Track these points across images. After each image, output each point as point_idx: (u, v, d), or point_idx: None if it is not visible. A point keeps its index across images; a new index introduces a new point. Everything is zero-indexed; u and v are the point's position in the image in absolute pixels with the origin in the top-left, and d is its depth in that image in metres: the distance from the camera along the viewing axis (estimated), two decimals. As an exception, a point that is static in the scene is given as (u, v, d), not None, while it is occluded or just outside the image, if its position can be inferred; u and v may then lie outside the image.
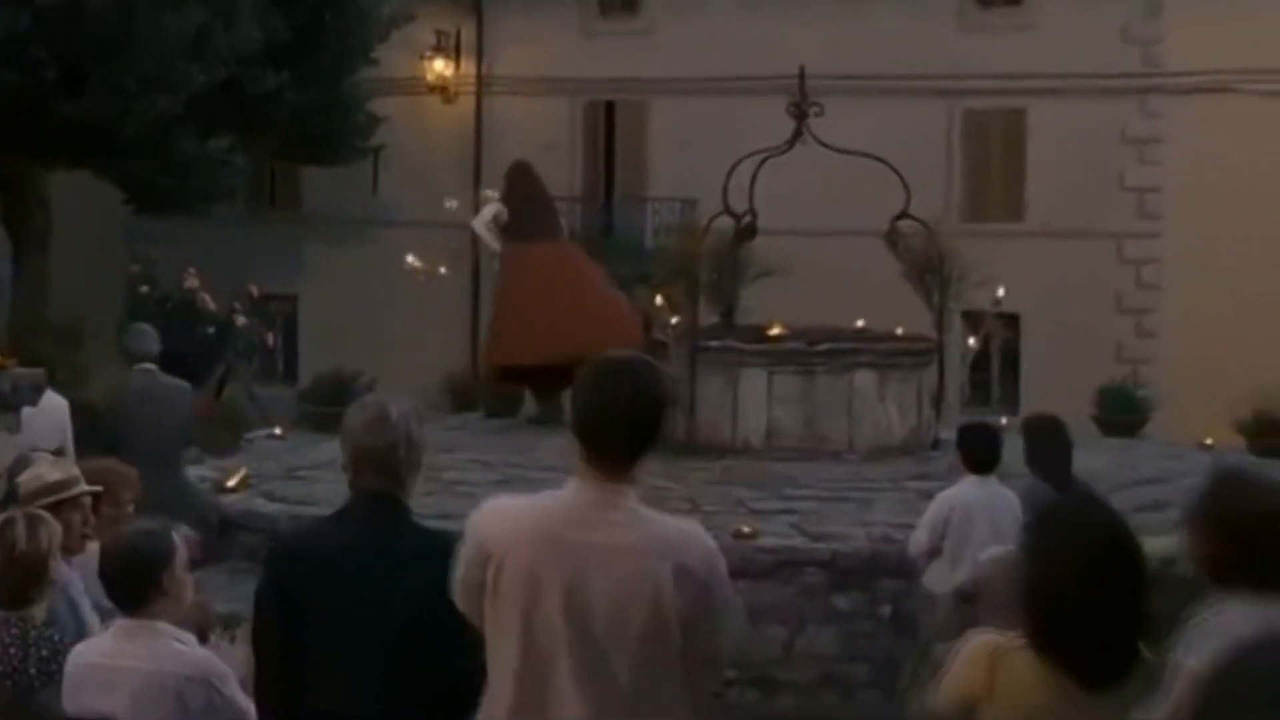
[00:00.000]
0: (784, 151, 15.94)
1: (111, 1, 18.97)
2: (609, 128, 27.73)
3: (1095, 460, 15.88)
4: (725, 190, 15.76)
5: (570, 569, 3.81)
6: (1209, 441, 17.94)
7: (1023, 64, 25.22)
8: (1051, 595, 3.70)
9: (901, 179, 15.69)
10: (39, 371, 12.05)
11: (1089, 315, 25.30)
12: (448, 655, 4.25)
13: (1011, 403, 25.54)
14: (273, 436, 15.06)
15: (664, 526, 3.96)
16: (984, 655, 3.86)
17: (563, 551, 3.84)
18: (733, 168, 15.85)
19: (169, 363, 19.01)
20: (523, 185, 18.15)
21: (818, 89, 24.46)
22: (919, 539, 9.46)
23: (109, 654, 5.01)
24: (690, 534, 3.96)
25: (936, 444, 14.96)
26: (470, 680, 4.06)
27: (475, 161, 27.35)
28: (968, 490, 9.25)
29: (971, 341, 25.16)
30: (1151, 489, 13.95)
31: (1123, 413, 19.10)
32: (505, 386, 18.02)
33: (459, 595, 4.00)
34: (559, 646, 3.81)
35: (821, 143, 15.80)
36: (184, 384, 11.23)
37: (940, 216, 25.33)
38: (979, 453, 9.58)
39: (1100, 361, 24.01)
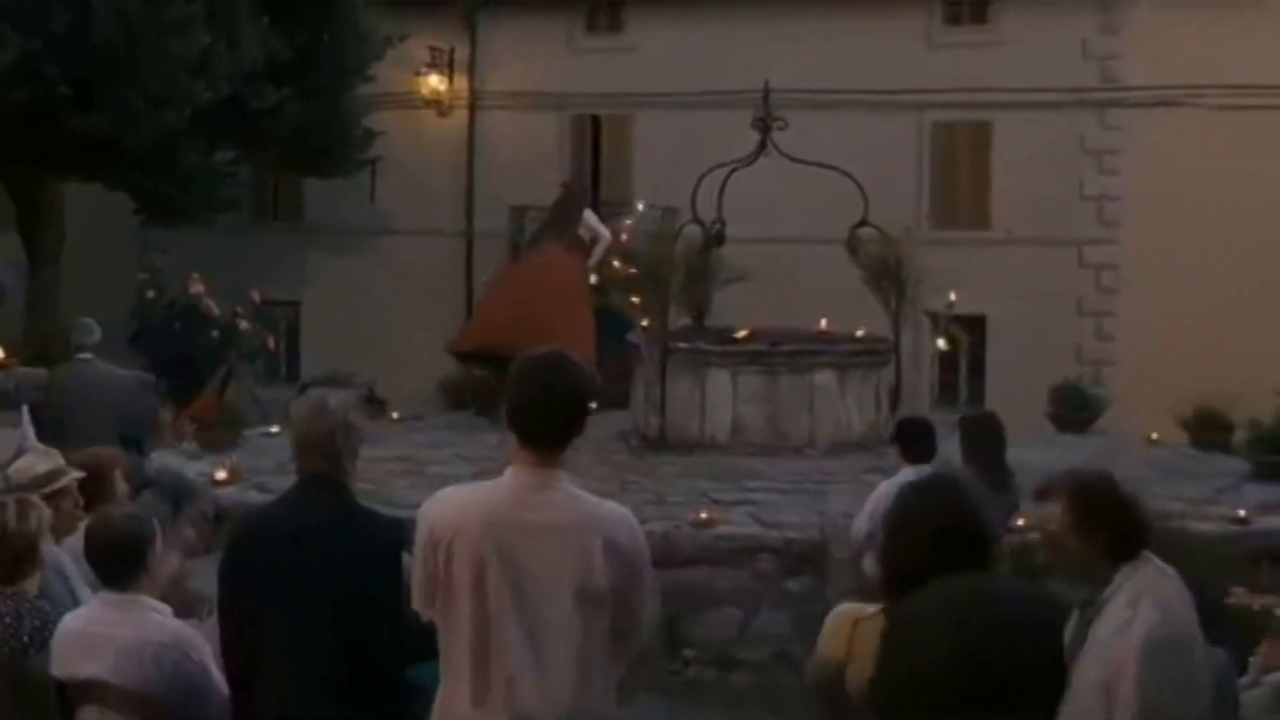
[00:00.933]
0: (750, 163, 16.20)
1: (119, 24, 19.15)
2: (595, 139, 27.80)
3: (1044, 454, 16.24)
4: (693, 199, 16.03)
5: (512, 545, 4.08)
6: (1155, 436, 18.27)
7: (988, 79, 25.36)
8: (899, 565, 3.97)
9: (861, 189, 15.89)
10: (41, 371, 12.40)
11: (1051, 318, 25.45)
12: (386, 618, 4.56)
13: (978, 401, 25.61)
14: (268, 434, 15.35)
15: (595, 506, 4.27)
16: (846, 622, 4.15)
17: (505, 530, 4.11)
18: (700, 178, 16.10)
19: (175, 364, 19.39)
20: (557, 199, 18.80)
21: (794, 103, 24.67)
22: (859, 526, 9.83)
23: (94, 623, 5.28)
24: (619, 513, 4.27)
25: (894, 439, 15.26)
26: (404, 640, 4.44)
27: (468, 172, 27.52)
28: (905, 480, 9.64)
29: (941, 343, 25.46)
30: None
31: (1076, 410, 19.36)
32: (466, 363, 18.44)
33: (415, 579, 4.24)
34: (505, 610, 4.07)
35: (785, 154, 16.03)
36: (128, 372, 11.58)
37: (910, 224, 25.58)
38: (915, 445, 9.99)
39: (1061, 362, 24.14)
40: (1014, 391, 21.94)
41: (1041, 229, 25.57)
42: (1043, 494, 4.75)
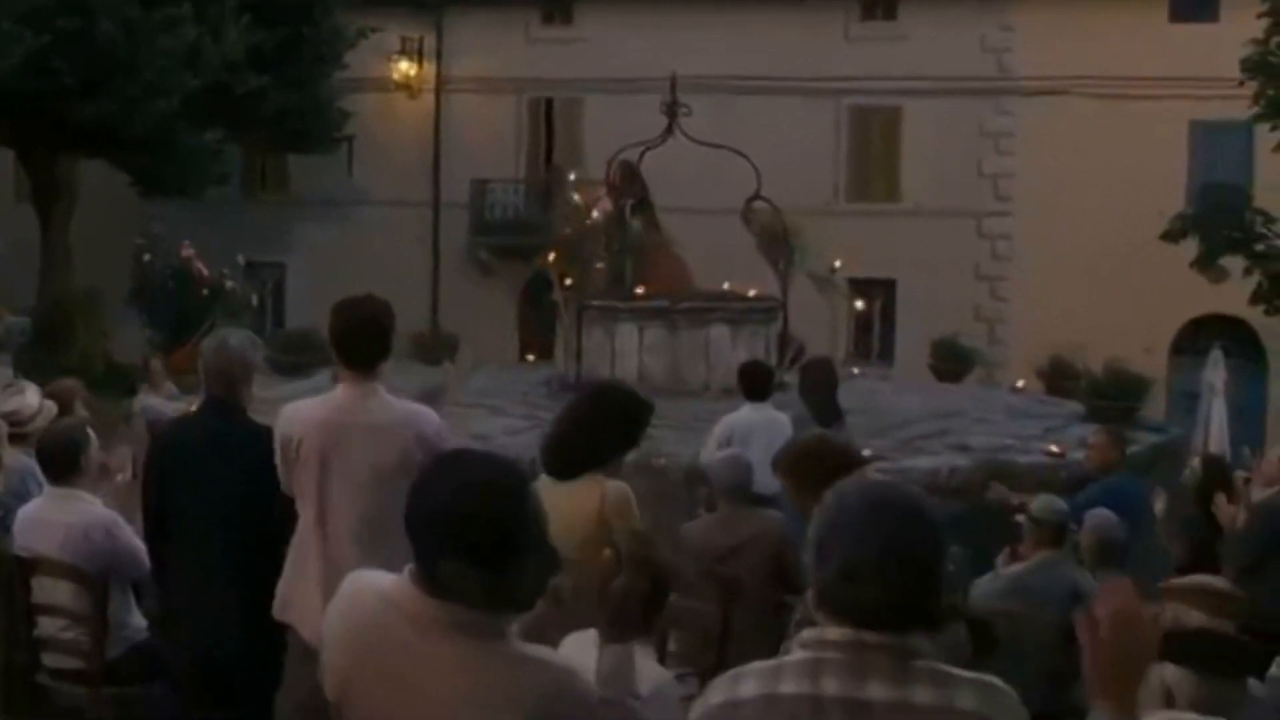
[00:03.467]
0: (659, 144, 16.79)
1: (118, 23, 20.09)
2: (548, 121, 28.41)
3: (909, 400, 17.52)
4: (607, 175, 16.88)
5: (344, 440, 4.78)
6: (1020, 384, 19.43)
7: (898, 69, 26.17)
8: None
9: (754, 167, 16.33)
10: (25, 320, 13.07)
11: (953, 281, 26.34)
12: (266, 506, 5.21)
13: (888, 357, 26.86)
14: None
15: (406, 407, 4.94)
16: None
17: (337, 430, 4.81)
18: (613, 157, 16.96)
19: (169, 319, 20.30)
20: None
21: (728, 88, 25.73)
22: (709, 449, 10.89)
23: (43, 510, 6.06)
24: (425, 412, 4.97)
25: (781, 386, 16.26)
26: (281, 525, 5.18)
27: (435, 149, 28.31)
28: (746, 414, 10.43)
29: (859, 304, 26.52)
30: (938, 421, 15.58)
31: (951, 362, 20.43)
32: None
33: (279, 468, 4.97)
34: (338, 487, 4.78)
35: (689, 137, 16.71)
36: None
37: (829, 197, 26.76)
38: (753, 384, 10.98)
39: (962, 321, 25.17)
40: (921, 347, 23.00)
41: (945, 203, 26.53)
42: (775, 465, 5.06)
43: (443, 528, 2.73)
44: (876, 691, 2.56)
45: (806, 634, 2.66)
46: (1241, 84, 20.67)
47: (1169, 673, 4.73)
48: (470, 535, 2.72)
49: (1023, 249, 26.49)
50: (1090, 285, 24.95)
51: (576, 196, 17.53)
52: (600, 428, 5.19)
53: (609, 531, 5.00)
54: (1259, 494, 8.46)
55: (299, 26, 23.66)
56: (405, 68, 28.22)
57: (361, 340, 4.92)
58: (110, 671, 5.95)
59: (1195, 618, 5.05)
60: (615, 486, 5.12)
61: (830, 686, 2.57)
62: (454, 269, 28.42)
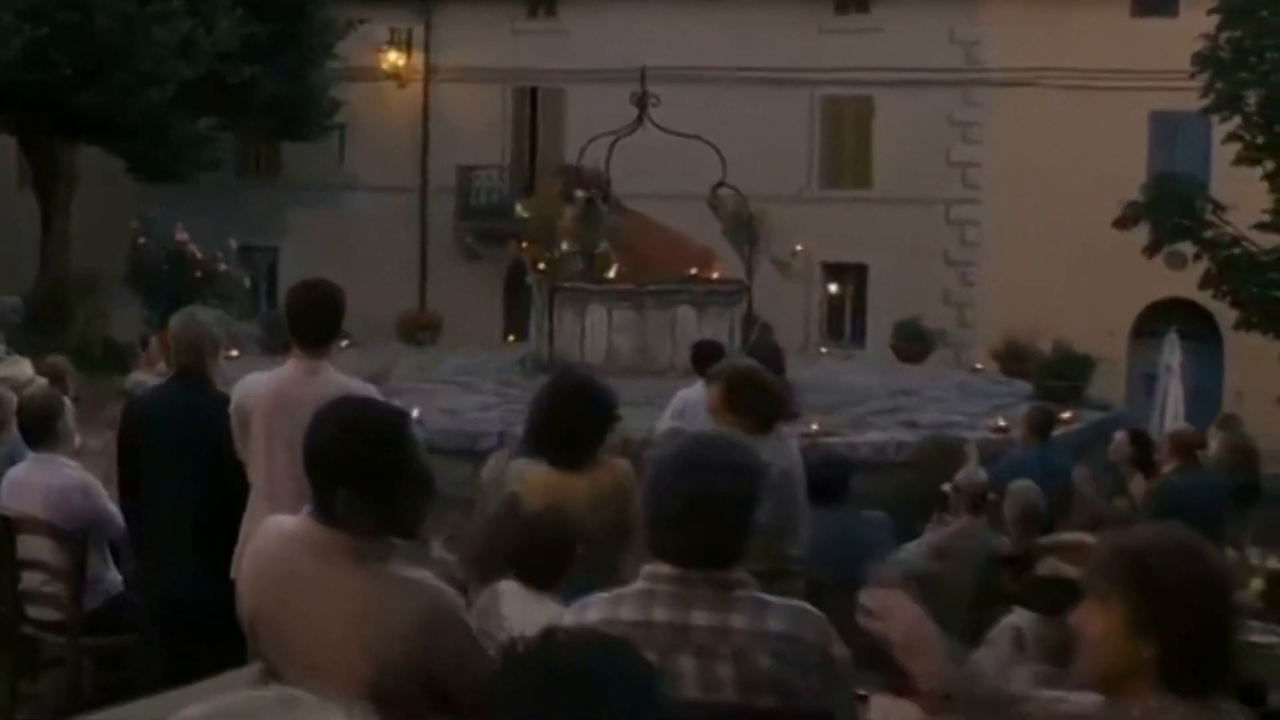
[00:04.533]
0: (630, 133, 17.15)
1: (115, 16, 20.41)
2: (533, 110, 28.71)
3: (867, 379, 17.96)
4: (579, 163, 17.19)
5: (290, 412, 4.78)
6: (979, 365, 19.85)
7: (870, 60, 26.43)
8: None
9: (720, 155, 16.56)
10: (16, 299, 13.36)
11: (922, 266, 26.68)
12: (232, 471, 5.42)
13: (859, 339, 27.29)
14: (229, 358, 16.61)
15: (350, 382, 5.10)
16: (516, 472, 5.15)
17: (286, 402, 5.01)
18: (584, 146, 17.28)
19: (164, 301, 20.57)
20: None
21: (706, 79, 26.00)
22: (663, 422, 11.31)
23: (26, 473, 6.41)
24: (370, 390, 5.00)
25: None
26: (239, 490, 5.45)
27: (423, 137, 28.63)
28: (697, 389, 10.24)
29: (833, 288, 26.90)
30: (892, 399, 15.97)
31: (912, 344, 20.78)
32: None
33: (234, 434, 5.32)
34: (283, 456, 4.91)
35: (657, 126, 17.01)
36: None
37: (803, 184, 27.09)
38: (704, 361, 11.36)
39: (930, 304, 25.49)
40: (890, 329, 23.41)
41: (915, 190, 26.80)
42: (711, 376, 6.09)
43: (335, 460, 3.17)
44: (699, 618, 3.04)
45: (645, 568, 3.14)
46: (1193, 76, 21.09)
47: (1019, 616, 5.23)
48: (359, 466, 3.14)
49: (990, 235, 26.82)
50: (1055, 270, 25.26)
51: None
52: (591, 418, 5.20)
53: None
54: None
55: (291, 19, 23.99)
56: (394, 58, 28.51)
57: (312, 319, 5.20)
58: (88, 623, 6.28)
59: (1069, 571, 5.43)
60: (622, 463, 5.23)
61: (660, 614, 3.05)
62: (441, 253, 28.74)
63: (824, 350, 20.83)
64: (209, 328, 5.95)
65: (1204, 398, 21.82)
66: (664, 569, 3.08)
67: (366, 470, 3.16)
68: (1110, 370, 20.26)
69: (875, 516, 8.26)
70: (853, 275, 27.55)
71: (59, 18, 19.79)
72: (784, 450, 5.93)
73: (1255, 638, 5.31)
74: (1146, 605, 2.56)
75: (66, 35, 20.01)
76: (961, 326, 26.29)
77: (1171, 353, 17.84)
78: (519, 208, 17.81)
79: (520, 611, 3.98)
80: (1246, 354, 23.78)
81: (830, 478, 7.57)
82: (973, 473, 8.40)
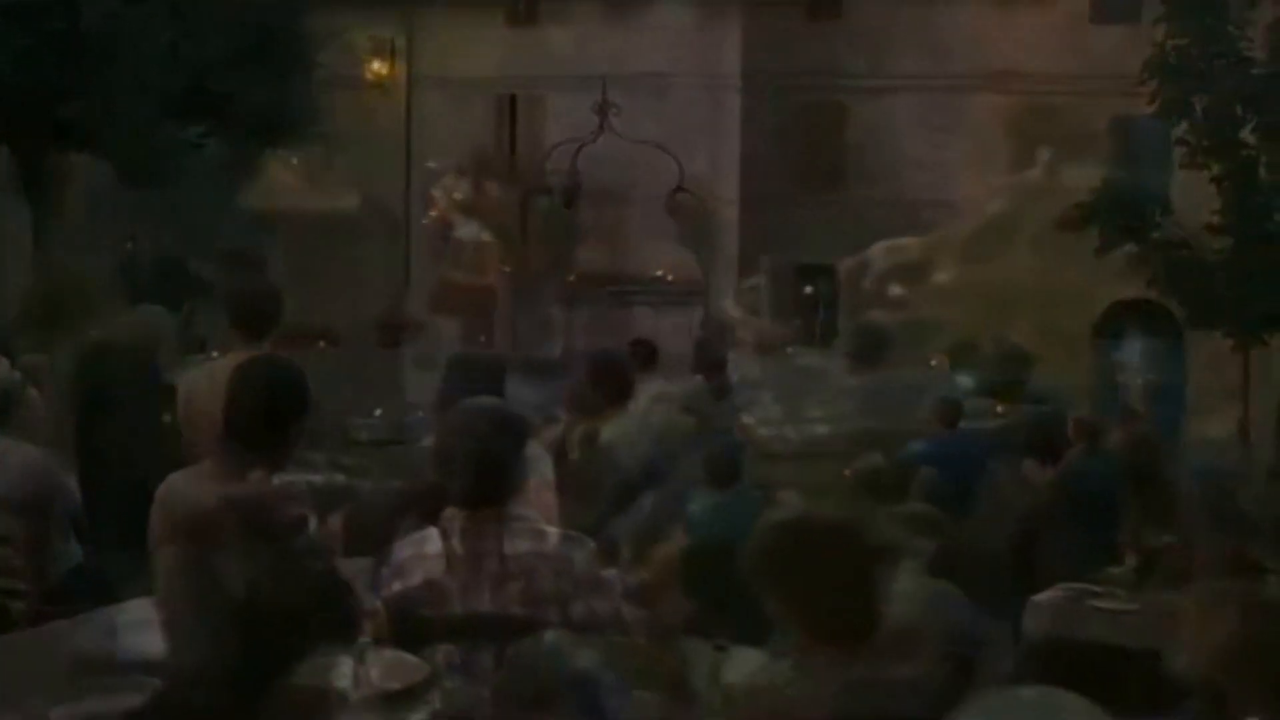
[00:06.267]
0: (593, 140, 17.91)
1: (103, 24, 20.84)
2: (512, 117, 29.08)
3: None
4: (543, 169, 17.87)
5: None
6: (934, 362, 20.36)
7: (843, 65, 27.21)
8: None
9: (678, 162, 17.48)
10: None
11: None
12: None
13: (832, 338, 27.65)
14: (210, 357, 17.32)
15: None
16: None
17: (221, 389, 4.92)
18: (548, 152, 17.96)
19: (153, 303, 21.14)
20: None
21: (683, 84, 26.46)
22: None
23: None
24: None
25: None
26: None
27: (406, 143, 29.21)
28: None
29: (807, 289, 27.39)
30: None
31: (869, 348, 21.12)
32: None
33: (180, 421, 6.02)
34: None
35: (617, 134, 17.74)
36: None
37: (776, 187, 27.57)
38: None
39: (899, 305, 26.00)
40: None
41: (885, 192, 27.17)
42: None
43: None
44: (489, 546, 3.80)
45: (446, 511, 3.94)
46: (1143, 83, 21.76)
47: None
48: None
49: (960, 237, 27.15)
50: (1022, 270, 25.43)
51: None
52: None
53: None
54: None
55: (275, 29, 24.53)
56: (378, 66, 29.11)
57: (250, 310, 5.67)
58: (50, 593, 6.46)
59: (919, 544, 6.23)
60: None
61: (457, 546, 3.82)
62: (424, 257, 29.11)
63: (789, 350, 21.26)
64: (163, 325, 6.68)
65: (1167, 394, 22.30)
66: (458, 511, 3.87)
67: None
68: (1075, 368, 20.65)
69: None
70: (825, 277, 28.02)
71: (48, 25, 20.30)
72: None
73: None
74: None
75: (56, 43, 20.44)
76: (926, 325, 26.67)
77: (1134, 350, 18.22)
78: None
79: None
80: (1210, 353, 24.23)
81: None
82: (870, 459, 9.07)
